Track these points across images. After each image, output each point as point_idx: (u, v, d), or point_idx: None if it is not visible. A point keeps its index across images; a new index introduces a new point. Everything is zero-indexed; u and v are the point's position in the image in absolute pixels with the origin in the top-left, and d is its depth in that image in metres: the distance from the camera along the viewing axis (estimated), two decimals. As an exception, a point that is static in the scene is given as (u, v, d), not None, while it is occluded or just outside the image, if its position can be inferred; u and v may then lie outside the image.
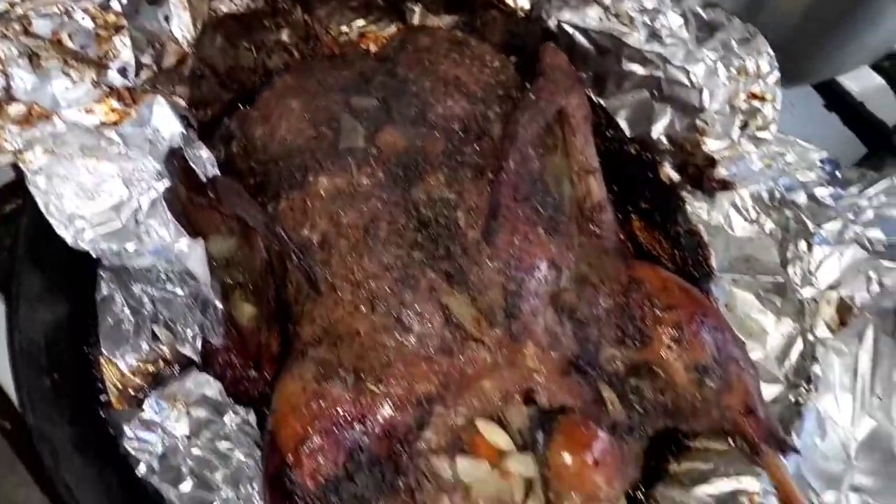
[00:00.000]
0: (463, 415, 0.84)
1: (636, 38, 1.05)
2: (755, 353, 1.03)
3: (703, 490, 0.96)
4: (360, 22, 1.17)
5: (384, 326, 0.83)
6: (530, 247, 0.88)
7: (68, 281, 0.96)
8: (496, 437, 0.84)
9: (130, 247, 0.81)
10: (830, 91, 1.41)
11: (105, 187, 0.80)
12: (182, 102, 0.92)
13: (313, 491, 0.79)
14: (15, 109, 0.75)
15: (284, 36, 1.13)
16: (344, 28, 1.18)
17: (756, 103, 1.02)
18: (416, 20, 1.17)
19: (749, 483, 0.94)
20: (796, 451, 0.88)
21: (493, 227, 0.85)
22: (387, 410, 0.82)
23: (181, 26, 0.97)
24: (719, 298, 1.06)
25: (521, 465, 0.83)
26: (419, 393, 0.83)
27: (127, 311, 0.95)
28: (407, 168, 0.90)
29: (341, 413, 0.81)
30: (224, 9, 1.03)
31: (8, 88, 0.75)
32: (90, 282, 0.96)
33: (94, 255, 0.80)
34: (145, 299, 0.95)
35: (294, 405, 0.82)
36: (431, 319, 0.84)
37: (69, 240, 0.79)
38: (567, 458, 0.82)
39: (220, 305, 0.87)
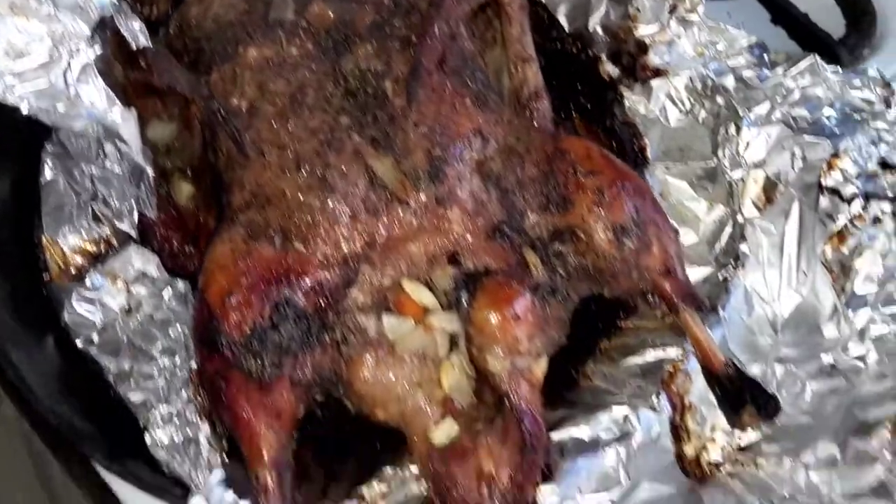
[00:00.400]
0: (389, 275, 0.87)
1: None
2: (688, 238, 1.06)
3: (631, 361, 0.99)
4: None
5: (309, 187, 0.85)
6: (456, 115, 0.90)
7: (11, 164, 0.98)
8: (421, 295, 0.86)
9: (61, 107, 0.83)
10: (776, 5, 1.42)
11: (34, 46, 0.81)
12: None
13: (239, 340, 0.81)
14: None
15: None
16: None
17: (685, -14, 1.04)
18: None
19: (674, 352, 0.97)
20: (714, 311, 0.90)
21: (413, 87, 0.87)
22: (313, 268, 0.85)
23: None
24: (654, 187, 1.09)
25: (446, 322, 0.86)
26: (345, 252, 0.85)
27: (70, 192, 0.96)
28: (336, 40, 0.92)
29: (268, 270, 0.84)
30: None
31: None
32: (34, 166, 0.97)
33: (25, 112, 0.82)
34: (87, 181, 0.96)
35: (222, 264, 0.84)
36: (356, 180, 0.86)
37: (-1, 94, 0.80)
38: (489, 314, 0.84)
39: (151, 173, 0.89)
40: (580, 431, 0.91)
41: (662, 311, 0.92)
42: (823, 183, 0.98)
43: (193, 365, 0.90)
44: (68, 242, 0.96)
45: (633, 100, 1.13)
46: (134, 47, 0.89)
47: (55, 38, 0.83)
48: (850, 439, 0.87)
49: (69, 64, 0.83)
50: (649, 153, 1.11)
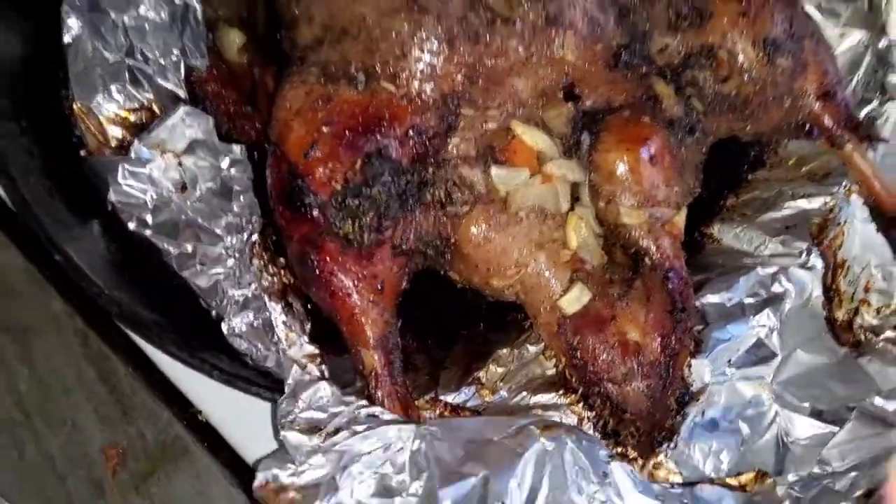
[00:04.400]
0: (495, 117, 0.72)
1: None
2: (819, 73, 0.91)
3: (769, 216, 0.86)
4: None
5: (394, 9, 0.70)
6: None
7: (27, 22, 0.84)
8: (535, 138, 0.72)
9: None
10: None
11: None
12: None
13: (329, 200, 0.67)
14: None
15: None
16: None
17: None
18: None
19: (820, 202, 0.84)
20: (882, 139, 0.76)
21: None
22: (406, 111, 0.70)
23: None
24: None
25: (566, 169, 0.72)
26: (442, 89, 0.71)
27: (100, 48, 0.81)
28: None
29: (353, 116, 0.69)
30: None
31: None
32: (54, 23, 0.82)
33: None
34: (119, 34, 0.82)
35: (298, 109, 0.70)
36: (453, -7, 0.70)
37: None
38: (618, 157, 0.71)
39: (199, 7, 0.74)
40: (721, 296, 0.78)
41: (821, 144, 0.78)
42: None
43: (255, 237, 0.77)
44: (103, 111, 0.82)
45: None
46: None
47: None
48: None
49: None
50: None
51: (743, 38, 0.73)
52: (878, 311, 0.83)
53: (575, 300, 0.70)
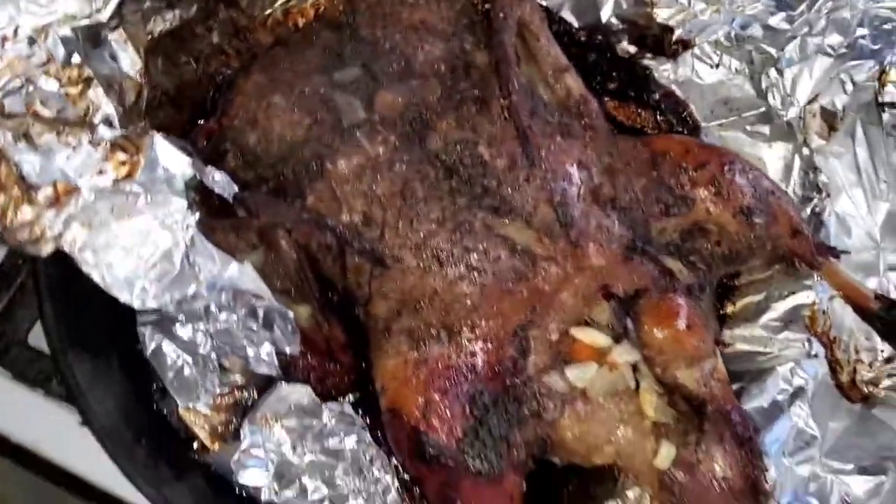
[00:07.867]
0: (556, 330, 0.87)
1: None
2: (762, 182, 1.10)
3: (767, 318, 1.03)
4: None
5: (459, 276, 0.85)
6: (558, 156, 0.91)
7: (115, 349, 0.94)
8: (593, 337, 0.88)
9: (191, 290, 0.80)
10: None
11: (149, 240, 0.77)
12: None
13: (455, 448, 0.81)
14: (43, 194, 0.72)
15: (215, 38, 1.10)
16: (267, 11, 1.15)
17: (699, -41, 1.06)
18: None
19: (804, 296, 1.02)
20: (845, 252, 0.95)
21: (530, 151, 0.87)
22: (489, 352, 0.85)
23: (128, 59, 0.93)
24: (713, 147, 1.12)
25: (625, 354, 0.88)
26: (511, 324, 0.86)
27: (185, 356, 0.92)
28: (414, 123, 0.91)
29: (449, 370, 0.83)
30: (159, 28, 0.99)
31: (22, 177, 0.71)
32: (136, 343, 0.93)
33: (163, 312, 0.78)
34: (199, 337, 0.92)
35: (403, 379, 0.84)
36: (498, 254, 0.86)
37: (136, 304, 0.76)
38: (660, 332, 0.87)
39: (290, 314, 0.86)
40: (759, 401, 0.95)
41: (802, 270, 0.96)
42: (881, 99, 1.03)
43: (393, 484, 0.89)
44: (204, 404, 0.92)
45: (660, 70, 1.15)
46: (228, 199, 0.85)
47: (161, 223, 0.79)
48: None
49: (185, 242, 0.79)
50: (697, 115, 1.13)
51: (723, 212, 0.91)
52: (870, 364, 1.02)
53: (666, 457, 0.85)
